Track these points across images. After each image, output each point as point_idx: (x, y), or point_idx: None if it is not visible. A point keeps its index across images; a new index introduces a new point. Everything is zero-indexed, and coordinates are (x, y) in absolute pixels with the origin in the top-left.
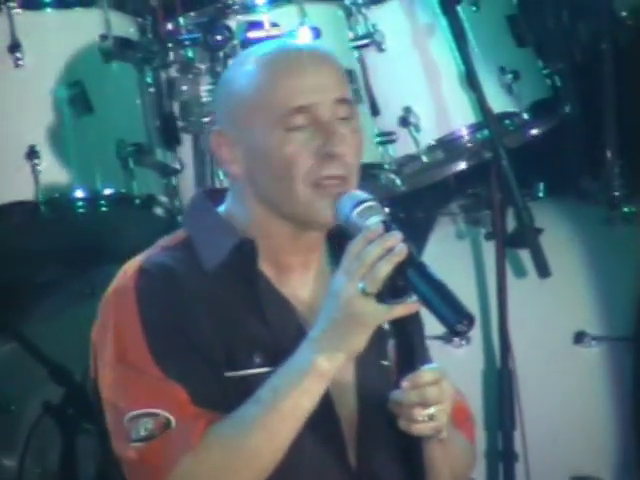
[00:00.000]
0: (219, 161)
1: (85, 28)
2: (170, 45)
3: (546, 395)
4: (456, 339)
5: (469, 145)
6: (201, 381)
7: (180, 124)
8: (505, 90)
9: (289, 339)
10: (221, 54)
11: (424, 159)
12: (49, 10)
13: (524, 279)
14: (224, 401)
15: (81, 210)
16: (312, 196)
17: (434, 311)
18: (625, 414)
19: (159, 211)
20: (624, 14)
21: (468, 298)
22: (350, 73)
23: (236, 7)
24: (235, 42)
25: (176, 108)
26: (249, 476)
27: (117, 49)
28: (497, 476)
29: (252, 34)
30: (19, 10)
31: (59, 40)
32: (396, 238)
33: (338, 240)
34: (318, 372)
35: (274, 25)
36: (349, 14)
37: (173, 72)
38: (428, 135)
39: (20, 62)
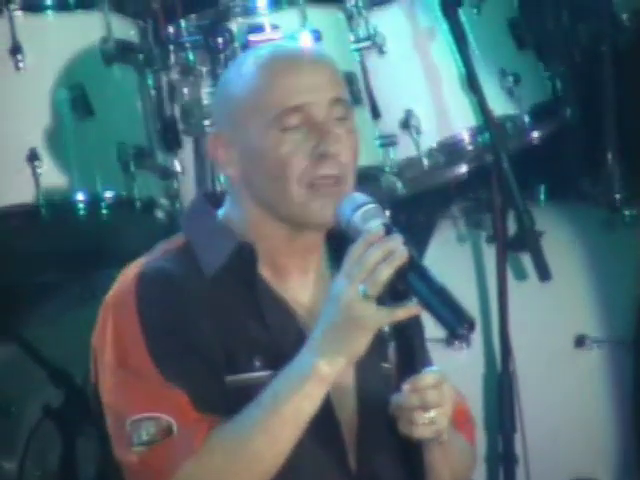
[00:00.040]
0: (216, 163)
1: (86, 31)
2: (171, 48)
3: (547, 398)
4: (457, 342)
5: (470, 148)
6: (202, 385)
7: (181, 127)
8: (506, 93)
9: (289, 343)
10: (222, 57)
11: (425, 162)
12: (50, 13)
13: (525, 282)
14: (225, 405)
15: (82, 213)
16: (307, 196)
17: (435, 314)
18: (625, 417)
19: (160, 214)
20: (624, 17)
21: (469, 301)
22: (351, 76)
23: (237, 10)
24: (236, 45)
25: (177, 111)
26: None
27: (118, 52)
28: (497, 479)
29: (253, 37)
30: (20, 13)
31: (60, 43)
32: (397, 241)
33: (337, 243)
34: (319, 376)
35: (275, 28)
36: (350, 17)
37: (174, 75)
38: (429, 138)
39: (21, 65)
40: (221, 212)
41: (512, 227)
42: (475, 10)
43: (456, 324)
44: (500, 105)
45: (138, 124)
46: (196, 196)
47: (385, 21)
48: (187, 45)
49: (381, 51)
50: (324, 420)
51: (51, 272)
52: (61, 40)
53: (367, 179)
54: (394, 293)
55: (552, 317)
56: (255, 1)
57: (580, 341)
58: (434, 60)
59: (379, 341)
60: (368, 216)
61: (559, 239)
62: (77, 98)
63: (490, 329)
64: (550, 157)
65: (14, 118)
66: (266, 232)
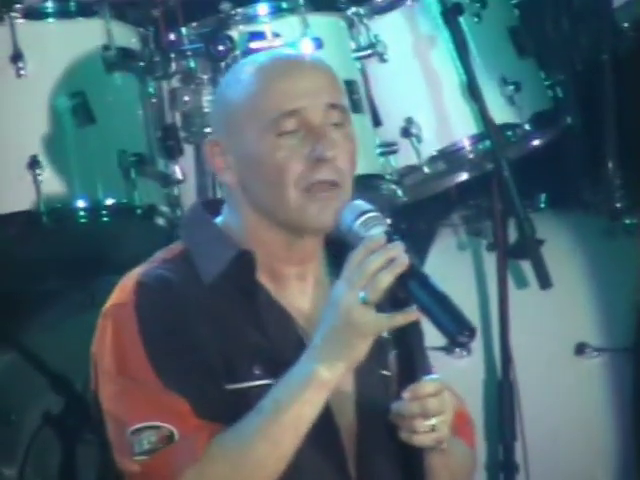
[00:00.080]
0: (214, 170)
1: (87, 38)
2: (172, 55)
3: (547, 406)
4: (457, 350)
5: (471, 156)
6: (202, 393)
7: (182, 134)
8: (507, 101)
9: (289, 350)
10: (223, 64)
11: (426, 170)
12: (51, 20)
13: (525, 290)
14: (225, 413)
15: (83, 220)
16: (304, 201)
17: (435, 322)
18: (626, 424)
19: (160, 221)
20: (625, 25)
21: (469, 309)
22: (352, 83)
23: (238, 18)
24: (237, 52)
25: (178, 118)
26: None
27: (119, 59)
28: None
29: (254, 44)
30: (21, 20)
31: (61, 50)
32: (398, 249)
33: (336, 250)
34: (319, 382)
35: (276, 36)
36: (351, 25)
37: (175, 82)
38: (430, 146)
39: (22, 72)
40: (219, 219)
41: (513, 235)
42: (476, 18)
43: (457, 332)
44: (501, 113)
45: (139, 131)
46: (193, 204)
47: (386, 29)
48: (188, 53)
49: (382, 59)
50: (323, 426)
51: (52, 279)
52: (62, 47)
53: (368, 187)
54: (395, 301)
55: (552, 325)
56: (256, 9)
57: (580, 349)
58: (435, 68)
59: (379, 348)
60: (369, 224)
61: (559, 247)
62: (78, 105)
63: (490, 337)
64: (551, 165)
65: (15, 125)
66: (264, 239)
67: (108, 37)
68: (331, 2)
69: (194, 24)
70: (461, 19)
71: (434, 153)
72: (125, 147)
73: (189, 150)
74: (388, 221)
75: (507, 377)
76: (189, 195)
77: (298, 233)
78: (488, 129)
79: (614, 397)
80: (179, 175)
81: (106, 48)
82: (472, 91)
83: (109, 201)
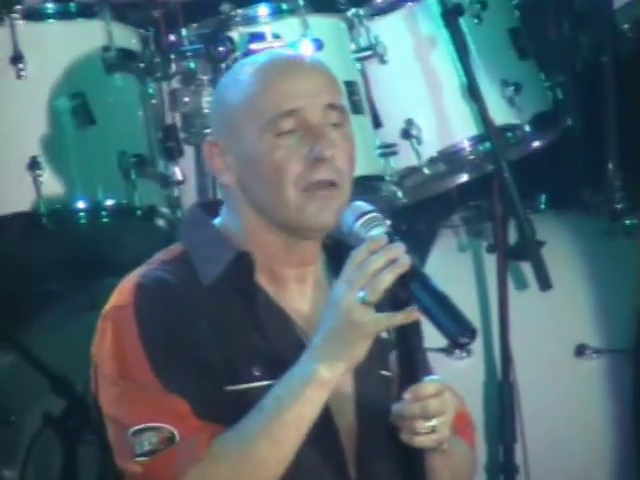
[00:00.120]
0: (212, 171)
1: (87, 39)
2: (172, 56)
3: (547, 408)
4: (457, 351)
5: (471, 157)
6: (202, 394)
7: (182, 135)
8: (507, 102)
9: (288, 352)
10: (223, 66)
11: (426, 171)
12: (51, 21)
13: (525, 291)
14: (226, 414)
15: (83, 221)
16: (303, 201)
17: (436, 323)
18: (626, 426)
19: (161, 222)
20: (626, 27)
21: (469, 310)
22: (352, 85)
23: (238, 19)
24: (237, 54)
25: (178, 120)
26: None
27: (119, 60)
28: None
29: (254, 46)
30: (22, 21)
31: (61, 51)
32: (399, 249)
33: (335, 253)
34: (319, 381)
35: (276, 37)
36: (351, 26)
37: (175, 83)
38: (430, 147)
39: (22, 73)
40: (217, 221)
41: (513, 236)
42: (476, 19)
43: (458, 333)
44: (501, 114)
45: (139, 132)
46: (192, 206)
47: (386, 30)
48: (188, 54)
49: (382, 60)
50: (323, 427)
51: (52, 280)
52: (62, 48)
53: (368, 188)
54: (395, 301)
55: (552, 326)
56: (256, 10)
57: (580, 350)
58: (435, 69)
59: (379, 348)
60: (370, 224)
61: (560, 248)
62: (78, 106)
63: (491, 338)
64: (551, 166)
65: (15, 126)
66: (264, 240)
67: (108, 38)
68: (331, 3)
69: (194, 25)
70: (461, 20)
71: (434, 154)
72: (125, 148)
73: (189, 151)
74: (388, 222)
75: (507, 378)
76: (189, 196)
77: (297, 234)
78: (488, 130)
79: (614, 398)
80: (179, 176)
81: (106, 49)
82: (472, 92)
83: (109, 202)
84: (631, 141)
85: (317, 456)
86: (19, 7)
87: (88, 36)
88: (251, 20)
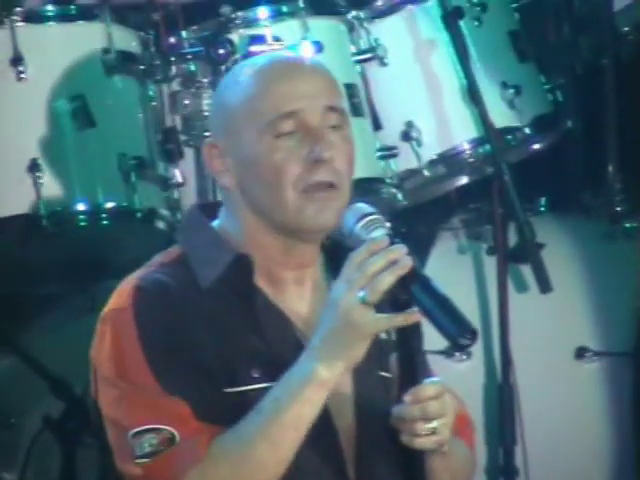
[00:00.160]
0: (212, 172)
1: (87, 42)
2: (172, 59)
3: (547, 410)
4: (457, 354)
5: (471, 160)
6: (202, 395)
7: (182, 138)
8: (507, 105)
9: (287, 354)
10: (223, 68)
11: (426, 174)
12: (52, 24)
13: (525, 294)
14: (225, 416)
15: (83, 223)
16: (301, 202)
17: (437, 324)
18: (625, 429)
19: (160, 225)
20: (626, 29)
21: (469, 313)
22: (352, 87)
23: (238, 21)
24: (237, 56)
25: (178, 122)
26: None
27: (119, 63)
28: None
29: (254, 48)
30: (22, 24)
31: (61, 54)
32: (401, 251)
33: (334, 254)
34: (318, 381)
35: (276, 39)
36: (351, 28)
37: (175, 86)
38: (430, 150)
39: (22, 75)
40: (216, 223)
41: (513, 239)
42: (476, 22)
43: (458, 334)
44: (501, 117)
45: (139, 135)
46: (190, 208)
47: (386, 33)
48: (188, 56)
49: (382, 63)
50: (322, 428)
51: (52, 283)
52: (62, 51)
53: (368, 191)
54: (395, 302)
55: (552, 329)
56: (256, 12)
57: (580, 353)
58: (435, 72)
59: (379, 350)
60: (372, 226)
61: (560, 251)
62: (78, 109)
63: (491, 341)
64: (551, 169)
65: (15, 128)
66: (263, 243)
67: (108, 40)
68: (331, 6)
69: (194, 27)
70: (461, 23)
71: (434, 157)
72: (125, 150)
73: (189, 153)
74: (388, 224)
75: (507, 381)
76: (189, 198)
77: (296, 236)
78: (488, 133)
79: (614, 401)
80: (179, 178)
81: (106, 51)
82: (472, 95)
83: (109, 204)
84: (631, 144)
85: (316, 457)
86: (19, 9)
87: (88, 38)
88: (251, 22)
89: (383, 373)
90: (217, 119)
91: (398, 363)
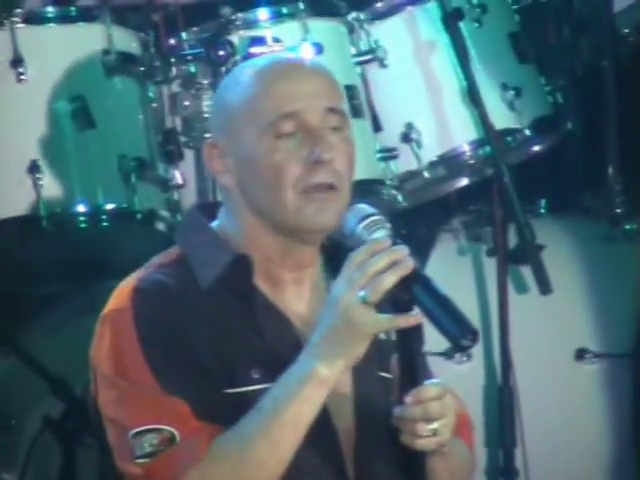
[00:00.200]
0: (212, 172)
1: (87, 43)
2: (172, 60)
3: (547, 412)
4: (457, 355)
5: (471, 161)
6: (202, 395)
7: (182, 139)
8: (507, 106)
9: (287, 354)
10: (223, 69)
11: (426, 175)
12: (52, 25)
13: (525, 296)
14: (225, 416)
15: (83, 225)
16: (300, 203)
17: (438, 325)
18: (625, 430)
19: (160, 226)
20: (626, 31)
21: (469, 314)
22: (352, 89)
23: (239, 22)
24: (237, 57)
25: (178, 123)
26: None
27: (119, 64)
28: None
29: (254, 49)
30: (22, 25)
31: (61, 55)
32: (403, 252)
33: (333, 254)
34: (318, 379)
35: (276, 41)
36: (351, 30)
37: (175, 87)
38: (430, 151)
39: (22, 77)
40: (215, 223)
41: (513, 240)
42: (476, 24)
43: (460, 335)
44: (501, 118)
45: (139, 136)
46: (189, 208)
47: (386, 34)
48: (188, 57)
49: (382, 64)
50: (321, 428)
51: (52, 283)
52: (62, 52)
53: (368, 192)
54: (396, 303)
55: (552, 330)
56: (257, 14)
57: (580, 354)
58: (435, 73)
59: (379, 350)
60: (373, 227)
61: (560, 252)
62: (78, 110)
63: (491, 342)
64: (551, 171)
65: (15, 130)
66: (262, 243)
67: (108, 42)
68: (331, 7)
69: (194, 29)
70: (461, 24)
71: (434, 158)
72: (125, 152)
73: (189, 155)
74: (389, 225)
75: (507, 382)
76: (189, 200)
77: (295, 237)
78: (488, 134)
79: (614, 403)
80: (179, 180)
81: (106, 53)
82: (472, 96)
83: (109, 206)
84: (631, 145)
85: (316, 457)
86: (19, 11)
87: (88, 40)
88: (251, 24)
89: (383, 374)
90: (217, 119)
91: (399, 364)
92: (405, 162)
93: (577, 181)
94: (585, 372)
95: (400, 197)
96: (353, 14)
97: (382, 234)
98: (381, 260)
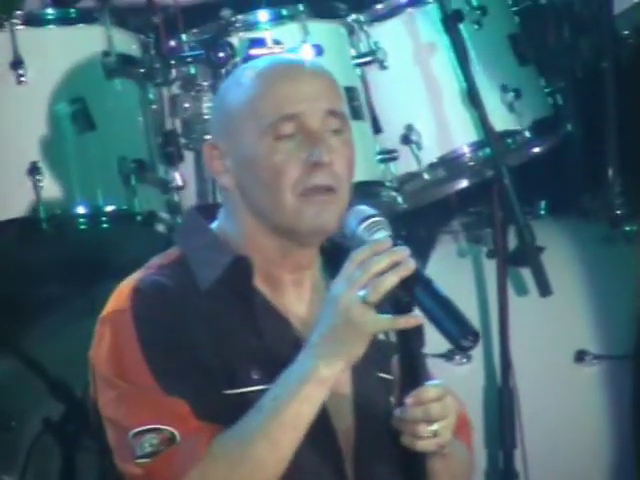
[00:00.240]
0: (211, 173)
1: (87, 45)
2: (172, 62)
3: (547, 413)
4: (457, 357)
5: (471, 163)
6: (202, 394)
7: (182, 141)
8: (507, 108)
9: (286, 355)
10: (223, 71)
11: (426, 177)
12: (52, 27)
13: (525, 297)
14: (225, 417)
15: (83, 226)
16: (299, 205)
17: (439, 326)
18: (625, 432)
19: (160, 228)
20: (626, 33)
21: (469, 316)
22: (352, 90)
23: (239, 24)
24: (237, 59)
25: (178, 125)
26: None
27: (119, 66)
28: None
29: (254, 51)
30: (22, 27)
31: (61, 57)
32: (404, 253)
33: (333, 255)
34: (318, 378)
35: (276, 42)
36: (351, 32)
37: (175, 89)
38: (430, 153)
39: (22, 79)
40: (215, 225)
41: (513, 242)
42: (476, 25)
43: (460, 336)
44: (501, 120)
45: (139, 138)
46: (189, 209)
47: (386, 36)
48: (189, 59)
49: (382, 66)
50: (320, 428)
51: (52, 285)
52: (62, 54)
53: (368, 194)
54: (397, 304)
55: (552, 332)
56: (256, 16)
57: (580, 356)
58: (435, 75)
59: (379, 350)
60: (374, 228)
61: (559, 254)
62: (78, 112)
63: (491, 344)
64: (551, 172)
65: (15, 131)
66: (262, 245)
67: (108, 43)
68: (331, 9)
69: (194, 31)
70: (461, 26)
71: (434, 160)
72: (125, 153)
73: (189, 156)
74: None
75: (507, 384)
76: (189, 201)
77: (294, 239)
78: (488, 136)
79: (614, 404)
80: (179, 182)
81: (106, 54)
82: (472, 98)
83: (109, 207)
84: (631, 147)
85: (315, 457)
86: (19, 12)
87: (88, 41)
88: (251, 26)
89: (382, 374)
90: (218, 120)
91: (399, 365)
92: (405, 164)
93: (577, 183)
94: (585, 374)
95: (400, 199)
96: (353, 16)
97: (383, 235)
98: (382, 260)
